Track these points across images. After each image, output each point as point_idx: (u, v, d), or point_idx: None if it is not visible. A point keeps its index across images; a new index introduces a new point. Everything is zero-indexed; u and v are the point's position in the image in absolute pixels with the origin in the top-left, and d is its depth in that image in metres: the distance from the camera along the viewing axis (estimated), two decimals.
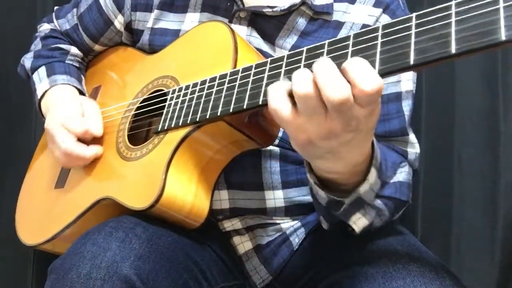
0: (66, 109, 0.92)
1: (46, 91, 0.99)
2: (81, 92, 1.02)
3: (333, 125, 0.55)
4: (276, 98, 0.57)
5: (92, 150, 0.89)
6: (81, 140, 0.90)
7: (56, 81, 1.00)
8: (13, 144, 1.36)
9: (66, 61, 1.05)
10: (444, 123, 1.21)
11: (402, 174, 0.78)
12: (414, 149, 0.87)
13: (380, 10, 0.87)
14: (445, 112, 1.20)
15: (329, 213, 0.74)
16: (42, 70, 1.02)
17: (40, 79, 1.01)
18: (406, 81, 0.86)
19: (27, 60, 1.05)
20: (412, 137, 0.87)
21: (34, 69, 1.04)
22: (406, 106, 0.86)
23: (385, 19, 0.87)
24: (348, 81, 0.53)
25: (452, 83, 1.20)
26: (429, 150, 1.19)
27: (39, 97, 1.00)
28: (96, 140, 0.92)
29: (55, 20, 1.11)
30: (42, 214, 0.96)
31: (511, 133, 1.15)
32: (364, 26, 0.86)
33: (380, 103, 0.56)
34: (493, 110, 1.16)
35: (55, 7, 1.15)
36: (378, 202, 0.72)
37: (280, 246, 0.90)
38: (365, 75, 0.52)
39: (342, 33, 0.87)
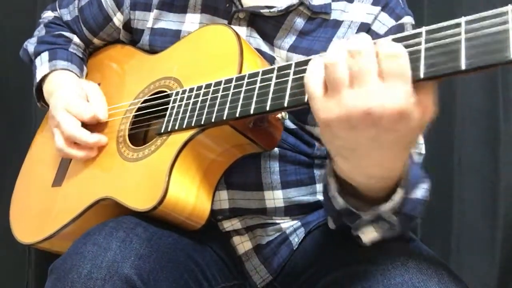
0: (70, 94, 0.92)
1: (45, 76, 1.00)
2: None
3: (353, 107, 0.52)
4: (314, 71, 0.55)
5: (95, 137, 0.88)
6: (84, 126, 0.90)
7: (56, 66, 1.00)
8: (12, 144, 1.36)
9: (70, 49, 1.06)
10: (444, 123, 1.21)
11: (421, 191, 0.73)
12: (418, 149, 0.85)
13: (379, 8, 0.87)
14: (445, 112, 1.20)
15: (341, 218, 0.72)
16: (45, 55, 1.03)
17: (42, 63, 1.02)
18: None
19: (30, 45, 1.06)
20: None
21: (37, 53, 1.04)
22: None
23: (384, 17, 0.87)
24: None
25: (452, 83, 1.20)
26: (429, 150, 1.19)
27: (37, 80, 1.00)
28: (98, 129, 0.91)
29: (58, 9, 1.12)
30: (39, 212, 0.95)
31: (511, 133, 1.15)
32: (362, 24, 0.86)
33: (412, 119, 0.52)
34: (493, 110, 1.16)
35: None
36: (394, 219, 0.68)
37: (280, 245, 0.90)
38: (389, 44, 0.51)
39: (340, 32, 0.86)
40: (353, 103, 0.51)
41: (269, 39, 0.88)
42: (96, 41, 1.08)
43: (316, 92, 0.54)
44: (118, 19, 1.01)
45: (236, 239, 0.91)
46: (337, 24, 0.87)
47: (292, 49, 0.86)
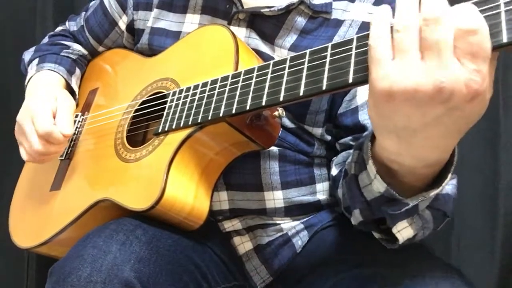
0: (39, 103, 0.91)
1: (31, 77, 1.01)
2: (68, 83, 1.03)
3: (424, 79, 0.47)
4: (382, 34, 0.49)
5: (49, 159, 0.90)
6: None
7: (42, 68, 1.01)
8: (12, 145, 1.35)
9: (61, 54, 1.06)
10: None
11: (450, 187, 0.69)
12: None
13: None
14: None
15: (374, 208, 0.66)
16: (35, 61, 1.04)
17: (31, 69, 1.03)
18: None
19: (27, 54, 1.08)
20: None
21: (30, 61, 1.05)
22: None
23: None
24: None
25: None
26: None
27: (25, 84, 1.01)
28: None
29: (67, 23, 1.15)
30: (37, 217, 0.95)
31: (511, 133, 1.15)
32: (363, 23, 0.86)
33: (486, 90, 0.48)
34: (493, 110, 1.16)
35: (71, 14, 1.18)
36: (427, 213, 0.65)
37: (282, 247, 0.90)
38: (468, 15, 0.46)
39: (341, 31, 0.86)
40: (424, 75, 0.46)
41: (269, 39, 0.88)
42: (101, 49, 1.10)
43: (385, 55, 0.48)
44: (123, 21, 1.02)
45: (236, 240, 0.91)
46: (338, 23, 0.87)
47: (293, 48, 0.86)
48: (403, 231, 0.65)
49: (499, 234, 1.15)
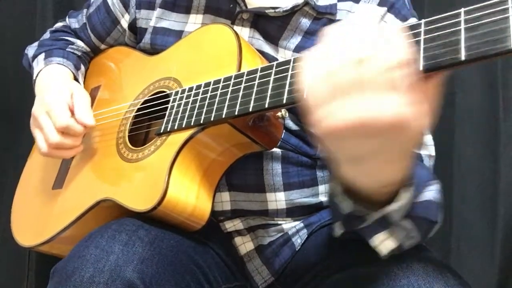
0: (53, 97, 0.91)
1: (40, 71, 1.00)
2: (76, 79, 1.03)
3: (354, 114, 0.47)
4: (310, 74, 0.50)
5: (70, 153, 0.90)
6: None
7: (51, 62, 1.01)
8: (13, 144, 1.36)
9: (67, 49, 1.06)
10: (444, 123, 1.21)
11: (431, 193, 0.71)
12: (427, 151, 0.83)
13: (385, 9, 0.87)
14: (445, 112, 1.20)
15: (349, 222, 0.68)
16: (41, 56, 1.03)
17: (38, 63, 1.03)
18: None
19: (31, 49, 1.07)
20: (427, 138, 0.83)
21: (35, 56, 1.05)
22: None
23: (390, 18, 0.87)
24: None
25: (452, 83, 1.20)
26: None
27: (34, 78, 1.01)
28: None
29: (67, 19, 1.14)
30: (39, 215, 0.95)
31: (511, 133, 1.15)
32: None
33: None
34: (493, 110, 1.16)
35: (70, 11, 1.17)
36: (406, 222, 0.65)
37: (282, 246, 0.90)
38: (395, 49, 0.47)
39: None
40: (357, 112, 0.47)
41: (273, 40, 0.88)
42: (103, 47, 1.09)
43: (316, 100, 0.49)
44: (125, 20, 1.01)
45: (238, 240, 0.91)
46: None
47: (298, 49, 0.86)
48: (384, 243, 0.66)
49: (499, 234, 1.15)
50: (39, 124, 0.90)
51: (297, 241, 0.90)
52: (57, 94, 0.91)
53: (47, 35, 1.11)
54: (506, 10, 0.46)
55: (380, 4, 0.87)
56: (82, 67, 1.08)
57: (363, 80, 0.47)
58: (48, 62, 1.01)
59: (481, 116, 1.19)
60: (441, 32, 0.50)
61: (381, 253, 0.66)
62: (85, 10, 1.10)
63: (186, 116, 0.76)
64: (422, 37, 0.51)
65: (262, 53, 0.85)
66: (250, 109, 0.67)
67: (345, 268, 0.75)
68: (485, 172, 1.17)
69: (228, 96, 0.71)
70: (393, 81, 0.47)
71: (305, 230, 0.91)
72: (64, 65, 1.01)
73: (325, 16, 0.87)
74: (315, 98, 0.49)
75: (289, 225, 0.90)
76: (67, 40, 1.08)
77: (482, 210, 1.17)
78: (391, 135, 0.48)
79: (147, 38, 0.96)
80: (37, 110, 0.91)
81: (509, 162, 1.14)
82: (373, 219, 0.63)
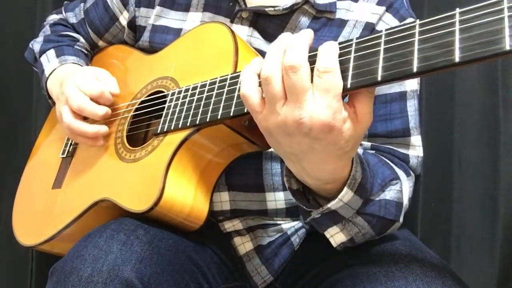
0: (80, 74, 0.92)
1: (54, 69, 1.00)
2: None
3: (286, 118, 0.56)
4: (248, 83, 0.59)
5: (103, 110, 0.88)
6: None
7: (66, 61, 1.01)
8: (13, 144, 1.36)
9: (75, 47, 1.06)
10: (444, 123, 1.21)
11: (391, 192, 0.74)
12: (415, 152, 0.85)
13: (384, 8, 0.87)
14: (445, 112, 1.20)
15: (303, 215, 0.75)
16: (51, 52, 1.03)
17: (49, 60, 1.02)
18: (411, 80, 0.85)
19: (37, 44, 1.06)
20: (415, 139, 0.85)
21: (43, 51, 1.04)
22: (411, 106, 0.85)
23: (388, 17, 0.87)
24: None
25: (452, 83, 1.20)
26: (429, 150, 1.19)
27: (47, 75, 1.00)
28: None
29: (63, 12, 1.13)
30: (40, 214, 0.95)
31: (511, 133, 1.15)
32: (367, 24, 0.86)
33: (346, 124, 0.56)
34: (493, 110, 1.16)
35: (65, 1, 1.16)
36: (359, 219, 0.70)
37: (281, 246, 0.90)
38: (323, 58, 0.54)
39: (345, 31, 0.86)
40: (286, 114, 0.55)
41: (272, 39, 0.87)
42: (101, 43, 1.09)
43: (254, 106, 0.59)
44: (124, 17, 1.01)
45: (237, 240, 0.91)
46: (342, 23, 0.87)
47: None
48: (335, 236, 0.72)
49: (499, 234, 1.15)
50: (65, 97, 0.88)
51: (296, 240, 0.90)
52: (83, 72, 0.93)
53: (47, 30, 1.10)
54: (501, 11, 0.46)
55: (378, 3, 0.87)
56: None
57: (297, 85, 0.54)
58: (63, 61, 1.00)
59: (481, 116, 1.18)
60: (435, 33, 0.50)
61: (333, 244, 0.73)
62: (82, 4, 1.09)
63: (183, 116, 0.76)
64: (416, 38, 0.51)
65: (260, 52, 0.85)
66: (245, 110, 0.66)
67: (345, 268, 0.75)
68: (485, 172, 1.17)
69: (223, 97, 0.71)
70: (324, 84, 0.54)
71: (303, 230, 0.91)
72: (79, 64, 1.02)
73: (324, 15, 0.87)
74: (256, 100, 0.58)
75: (288, 225, 0.90)
76: (72, 36, 1.08)
77: (482, 210, 1.17)
78: (321, 136, 0.55)
79: (145, 36, 0.96)
80: (67, 87, 0.89)
81: (509, 162, 1.14)
82: (317, 213, 0.68)
